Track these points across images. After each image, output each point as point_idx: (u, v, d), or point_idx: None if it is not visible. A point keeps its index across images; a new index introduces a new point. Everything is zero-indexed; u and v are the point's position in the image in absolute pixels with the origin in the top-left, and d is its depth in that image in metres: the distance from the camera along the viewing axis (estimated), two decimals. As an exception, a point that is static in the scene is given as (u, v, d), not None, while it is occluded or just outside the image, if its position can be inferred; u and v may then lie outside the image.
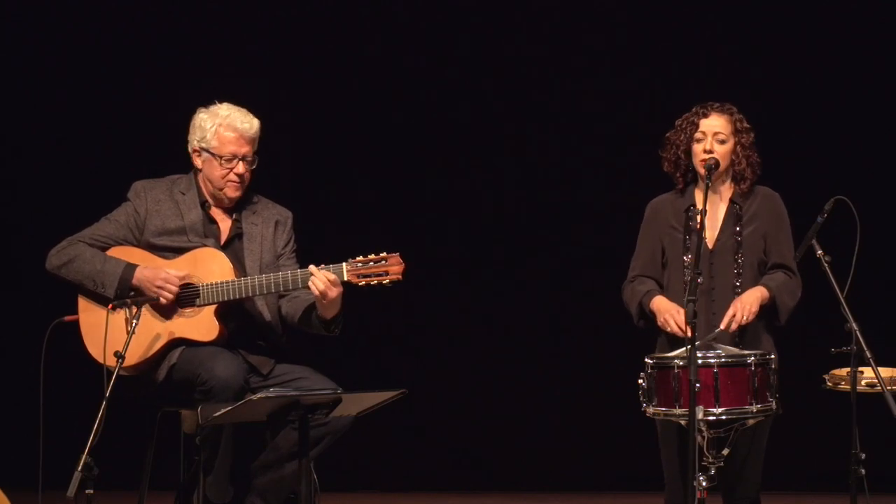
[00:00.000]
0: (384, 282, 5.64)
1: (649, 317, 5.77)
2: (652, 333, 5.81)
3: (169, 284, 5.67)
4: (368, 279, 5.63)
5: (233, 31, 8.83)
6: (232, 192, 5.86)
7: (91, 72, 8.85)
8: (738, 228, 5.76)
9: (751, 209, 5.79)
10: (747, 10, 8.47)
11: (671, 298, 5.72)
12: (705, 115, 5.80)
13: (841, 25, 8.36)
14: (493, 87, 8.76)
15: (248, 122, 5.86)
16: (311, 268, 5.62)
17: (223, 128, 5.84)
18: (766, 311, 5.70)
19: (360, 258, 5.65)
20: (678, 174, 5.84)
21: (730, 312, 5.60)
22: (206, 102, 5.91)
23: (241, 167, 5.83)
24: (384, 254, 5.66)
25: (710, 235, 5.77)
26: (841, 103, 8.33)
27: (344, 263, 5.65)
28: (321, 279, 5.57)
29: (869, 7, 8.34)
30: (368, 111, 8.82)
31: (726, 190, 5.83)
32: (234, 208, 5.91)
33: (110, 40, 8.87)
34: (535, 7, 8.74)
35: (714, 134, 5.76)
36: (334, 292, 5.60)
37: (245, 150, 5.84)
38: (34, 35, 8.91)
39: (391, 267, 5.64)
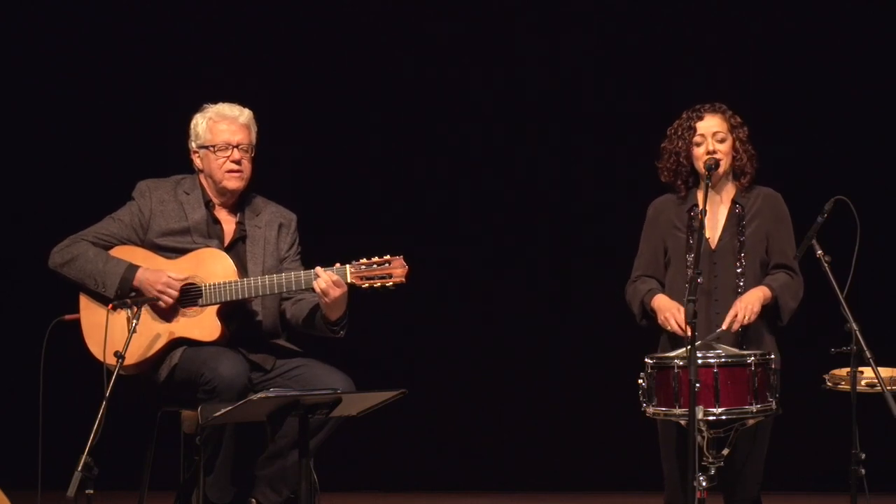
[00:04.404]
0: (388, 284, 5.64)
1: (651, 315, 5.77)
2: (654, 332, 5.82)
3: (170, 289, 5.67)
4: (372, 281, 5.63)
5: (234, 32, 8.83)
6: (232, 183, 5.86)
7: (93, 69, 8.85)
8: (740, 229, 5.77)
9: (752, 209, 5.80)
10: (748, 9, 8.47)
11: (673, 298, 5.73)
12: (700, 118, 5.81)
13: (841, 25, 8.36)
14: (493, 88, 8.76)
15: (237, 110, 5.90)
16: (317, 269, 5.63)
17: (213, 120, 5.88)
18: (768, 311, 5.71)
19: (364, 260, 5.65)
20: (679, 181, 5.85)
21: (731, 313, 5.61)
22: (203, 104, 5.95)
23: (236, 154, 5.83)
24: (388, 256, 5.66)
25: (713, 235, 5.78)
26: (841, 103, 8.32)
27: (347, 266, 5.65)
28: (324, 278, 5.58)
29: (869, 6, 8.34)
30: (370, 112, 8.81)
31: (728, 190, 5.85)
32: (238, 209, 5.92)
33: (111, 35, 8.86)
34: (535, 6, 8.74)
35: (713, 134, 5.78)
36: (336, 292, 5.60)
37: (239, 137, 5.85)
38: (34, 31, 8.90)
39: (395, 269, 5.64)
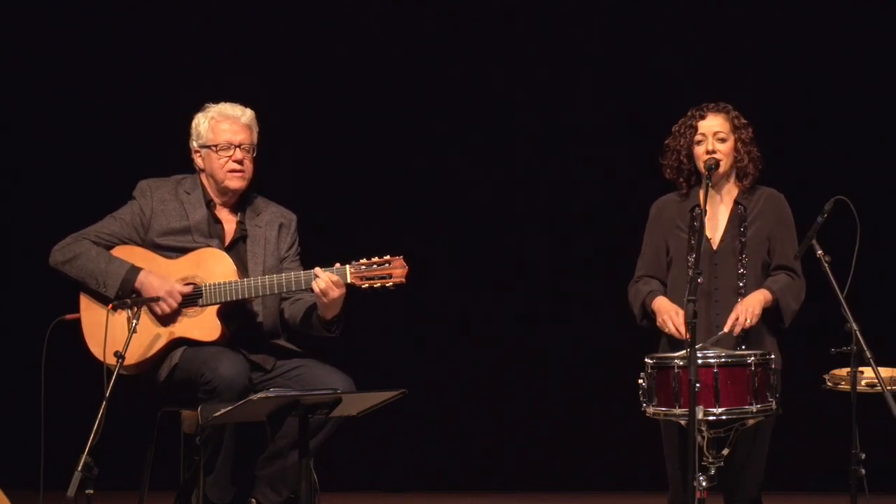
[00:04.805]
0: (387, 284, 5.64)
1: (651, 317, 5.77)
2: (655, 333, 5.81)
3: (171, 299, 5.67)
4: (371, 282, 5.63)
5: (234, 32, 8.83)
6: (235, 182, 5.86)
7: (93, 69, 8.85)
8: (742, 229, 5.77)
9: (755, 210, 5.80)
10: (748, 9, 8.47)
11: (675, 298, 5.72)
12: (702, 117, 5.81)
13: (841, 25, 8.36)
14: (493, 88, 8.76)
15: (239, 110, 5.90)
16: (316, 269, 5.63)
17: (215, 119, 5.88)
18: (770, 313, 5.71)
19: (364, 261, 5.65)
20: (681, 179, 5.85)
21: (732, 316, 5.61)
22: (204, 104, 5.95)
23: (238, 154, 5.84)
24: (388, 256, 5.66)
25: (714, 236, 5.78)
26: (841, 103, 8.32)
27: (347, 266, 5.65)
28: (323, 278, 5.59)
29: (869, 6, 8.34)
30: (371, 113, 8.81)
31: (730, 190, 5.84)
32: (239, 209, 5.92)
33: (111, 35, 8.86)
34: (535, 6, 8.74)
35: (714, 134, 5.78)
36: (336, 292, 5.61)
37: (241, 137, 5.85)
38: (34, 31, 8.90)
39: (394, 270, 5.64)
